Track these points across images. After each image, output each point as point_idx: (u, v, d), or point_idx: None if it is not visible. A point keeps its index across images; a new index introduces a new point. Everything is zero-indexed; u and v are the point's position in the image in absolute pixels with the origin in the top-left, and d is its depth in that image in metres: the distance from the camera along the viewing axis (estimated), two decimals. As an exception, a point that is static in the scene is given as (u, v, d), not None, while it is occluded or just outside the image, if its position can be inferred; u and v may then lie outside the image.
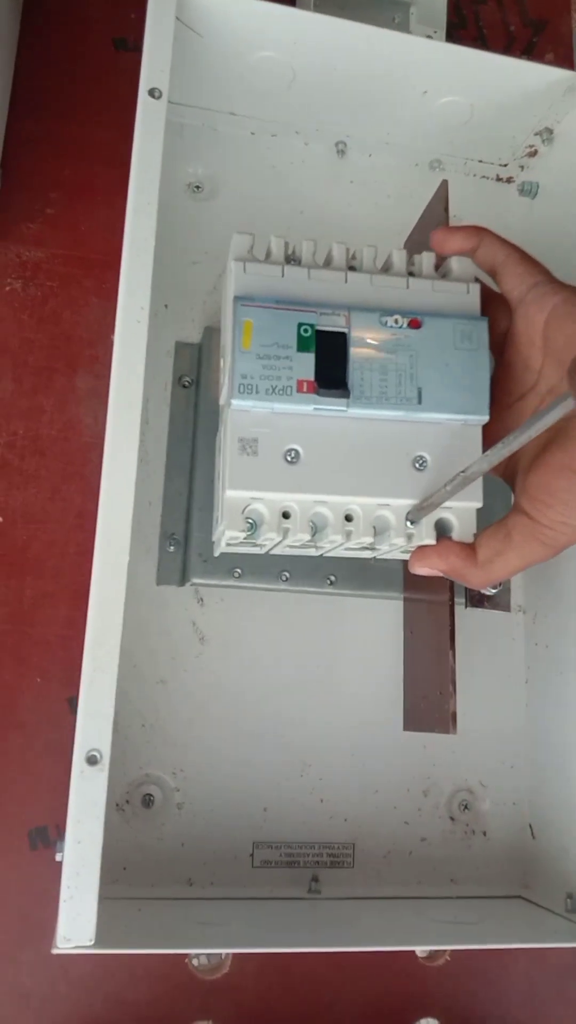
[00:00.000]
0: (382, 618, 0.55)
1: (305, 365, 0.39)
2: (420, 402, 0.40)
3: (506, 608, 0.57)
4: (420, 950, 0.53)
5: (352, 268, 0.42)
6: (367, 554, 0.45)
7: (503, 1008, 0.54)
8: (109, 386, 0.41)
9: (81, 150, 0.58)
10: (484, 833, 0.54)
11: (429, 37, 0.62)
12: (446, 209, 0.52)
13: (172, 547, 0.52)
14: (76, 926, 0.37)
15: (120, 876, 0.48)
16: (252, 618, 0.53)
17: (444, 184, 0.53)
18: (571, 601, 0.53)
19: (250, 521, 0.39)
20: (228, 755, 0.51)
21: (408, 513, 0.40)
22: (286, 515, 0.40)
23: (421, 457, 0.40)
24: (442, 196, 0.53)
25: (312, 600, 0.53)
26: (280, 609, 0.53)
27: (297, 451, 0.39)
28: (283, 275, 0.40)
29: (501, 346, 0.42)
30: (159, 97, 0.47)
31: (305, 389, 0.39)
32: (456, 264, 0.44)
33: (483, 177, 0.64)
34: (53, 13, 0.59)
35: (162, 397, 0.54)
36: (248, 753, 0.51)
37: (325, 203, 0.60)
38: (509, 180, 0.64)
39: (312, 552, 0.44)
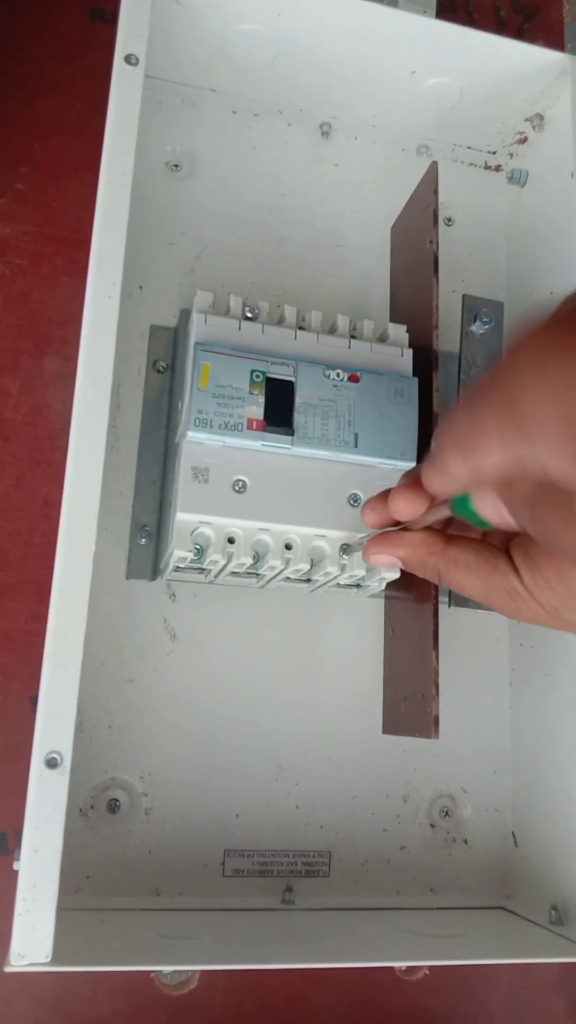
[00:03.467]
0: (362, 617, 0.52)
1: (255, 406, 0.43)
2: (356, 446, 0.44)
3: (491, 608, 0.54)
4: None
5: (301, 328, 0.47)
6: (305, 586, 0.47)
7: (483, 1024, 0.52)
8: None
9: (53, 124, 0.55)
10: (465, 841, 0.52)
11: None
12: (435, 192, 0.50)
13: (144, 539, 0.49)
14: (31, 942, 0.35)
15: (83, 885, 0.46)
16: (226, 615, 0.51)
17: (434, 166, 0.51)
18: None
19: (197, 546, 0.42)
20: (199, 758, 0.49)
21: (342, 546, 0.44)
22: (231, 540, 0.42)
23: (355, 495, 0.44)
24: (431, 179, 0.51)
25: (289, 598, 0.51)
26: (256, 606, 0.51)
27: (244, 482, 0.43)
28: (240, 328, 0.45)
29: None
30: (136, 64, 0.45)
31: (255, 427, 0.43)
32: (392, 330, 0.48)
33: (471, 164, 0.62)
34: (27, -19, 0.57)
35: (135, 382, 0.51)
36: (220, 756, 0.49)
37: (308, 186, 0.58)
38: (498, 168, 0.62)
39: (252, 582, 0.47)
